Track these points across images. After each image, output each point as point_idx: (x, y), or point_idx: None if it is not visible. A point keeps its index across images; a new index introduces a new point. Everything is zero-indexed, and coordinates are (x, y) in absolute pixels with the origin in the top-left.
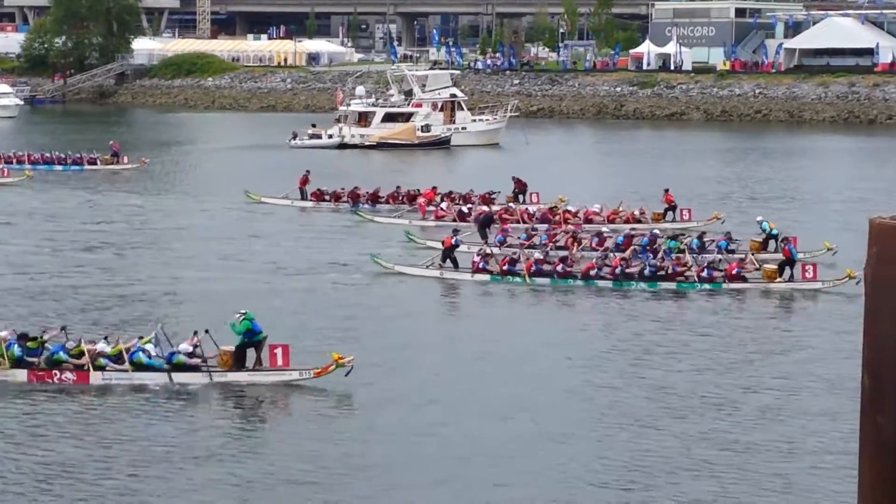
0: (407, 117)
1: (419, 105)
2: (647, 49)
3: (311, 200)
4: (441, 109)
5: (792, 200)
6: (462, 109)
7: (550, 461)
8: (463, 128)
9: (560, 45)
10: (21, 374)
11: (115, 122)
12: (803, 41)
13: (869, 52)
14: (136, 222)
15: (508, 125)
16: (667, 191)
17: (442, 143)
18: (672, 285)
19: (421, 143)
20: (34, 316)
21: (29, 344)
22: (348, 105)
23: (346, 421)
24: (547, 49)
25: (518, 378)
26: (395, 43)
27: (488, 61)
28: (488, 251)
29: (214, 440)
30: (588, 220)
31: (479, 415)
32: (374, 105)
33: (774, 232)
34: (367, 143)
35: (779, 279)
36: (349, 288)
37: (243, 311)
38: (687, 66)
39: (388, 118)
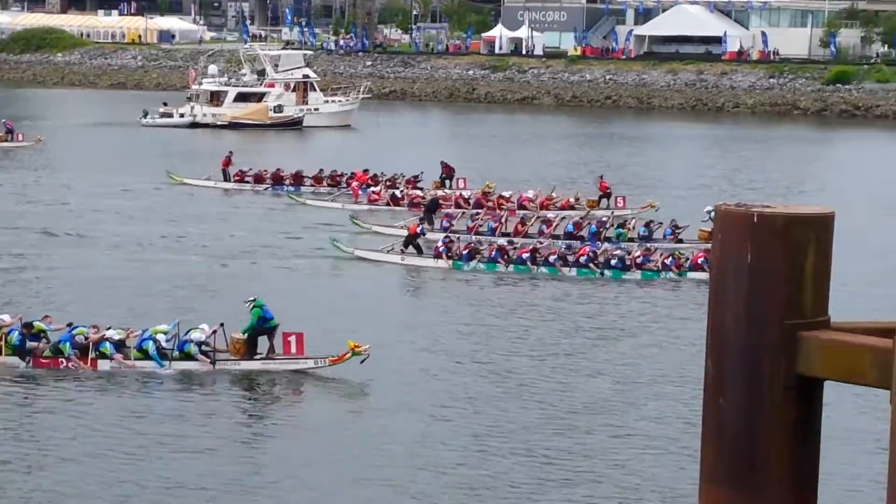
0: (259, 97)
1: (272, 85)
2: (500, 33)
3: (233, 182)
4: (294, 90)
5: (639, 187)
6: (315, 90)
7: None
8: (315, 109)
9: (413, 27)
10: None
11: None
12: (653, 28)
13: (717, 41)
14: (62, 204)
15: (361, 107)
16: (601, 178)
17: (294, 124)
18: (637, 275)
19: (273, 124)
20: None
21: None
22: (200, 84)
23: (363, 406)
24: (400, 31)
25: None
26: (248, 22)
27: (341, 42)
28: (453, 238)
29: (226, 428)
30: (521, 206)
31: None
32: (226, 84)
33: None
34: (219, 123)
35: None
36: (313, 272)
37: (252, 298)
38: (538, 50)
39: (241, 98)
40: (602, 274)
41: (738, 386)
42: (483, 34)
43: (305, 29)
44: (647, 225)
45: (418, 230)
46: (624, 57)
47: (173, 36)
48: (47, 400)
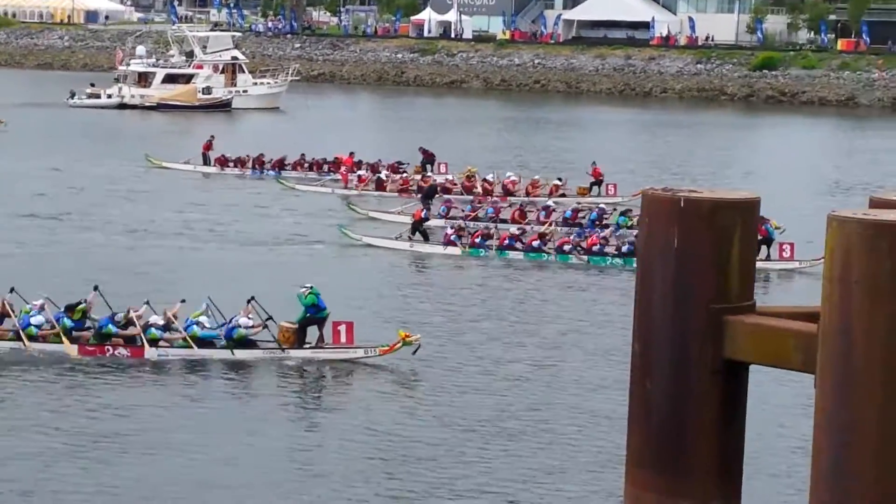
0: (188, 79)
1: (200, 67)
2: (429, 16)
3: (214, 166)
4: (222, 72)
5: (564, 171)
6: (243, 72)
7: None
8: (244, 91)
9: (342, 9)
10: (71, 349)
11: None
12: (581, 13)
13: (645, 26)
14: (48, 188)
15: (289, 89)
16: (594, 164)
17: (223, 106)
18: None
19: (202, 105)
20: None
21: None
22: (128, 65)
23: (414, 400)
24: (328, 14)
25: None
26: (176, 3)
27: (270, 24)
28: (462, 225)
29: (280, 418)
30: (507, 191)
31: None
32: (154, 66)
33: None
34: (147, 104)
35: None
36: (323, 259)
37: (309, 286)
38: (467, 34)
39: (169, 79)
40: (623, 262)
41: (664, 370)
42: (412, 17)
43: (234, 10)
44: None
45: (423, 215)
46: (552, 41)
47: (107, 17)
48: (96, 389)
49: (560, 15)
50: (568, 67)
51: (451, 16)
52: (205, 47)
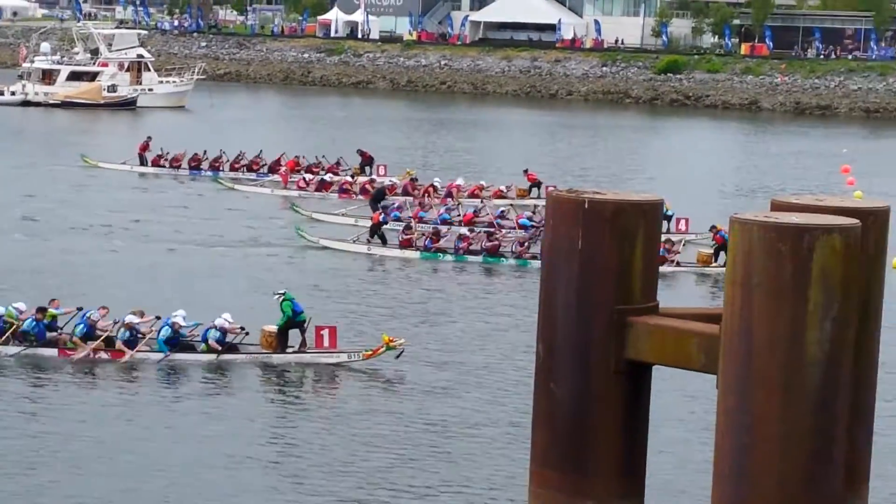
0: (93, 76)
1: (105, 64)
2: (336, 16)
3: (151, 167)
4: (128, 70)
5: (467, 173)
6: (149, 70)
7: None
8: (150, 89)
9: (248, 8)
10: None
11: None
12: (488, 14)
13: (551, 28)
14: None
15: (195, 88)
16: (526, 171)
17: (128, 104)
18: None
19: (107, 103)
20: None
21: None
22: (32, 62)
23: (398, 404)
24: (235, 12)
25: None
26: (81, 0)
27: (176, 22)
28: (411, 226)
29: (265, 422)
30: (449, 195)
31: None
32: (58, 63)
33: (669, 213)
34: (51, 102)
35: (714, 264)
36: (284, 262)
37: (282, 292)
38: (374, 35)
39: (74, 77)
40: None
41: (568, 371)
42: (319, 17)
43: (139, 8)
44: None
45: (381, 218)
46: (459, 43)
47: (15, 13)
48: (53, 391)
49: (467, 16)
50: (474, 69)
51: (359, 16)
52: (110, 45)
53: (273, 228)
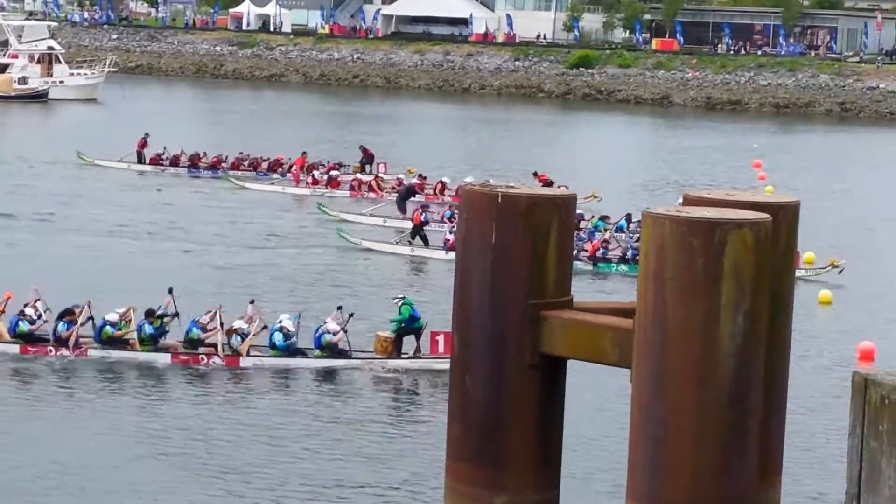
0: (2, 69)
1: (15, 56)
2: (247, 9)
3: (149, 165)
4: (38, 62)
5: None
6: (60, 63)
7: None
8: (61, 81)
9: (160, 1)
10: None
11: None
12: (400, 8)
13: (463, 22)
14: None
15: (107, 80)
16: (536, 174)
17: (39, 97)
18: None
19: (17, 96)
20: None
21: (153, 321)
22: None
23: None
24: (146, 4)
25: None
26: None
27: (86, 14)
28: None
29: (379, 429)
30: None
31: None
32: None
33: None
34: None
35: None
36: (332, 264)
37: (402, 296)
38: (287, 28)
39: None
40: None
41: (483, 365)
42: (230, 10)
43: (49, 0)
44: (627, 218)
45: (422, 218)
46: (371, 36)
47: None
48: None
49: (379, 10)
50: (387, 63)
51: (271, 9)
52: (20, 36)
53: (309, 228)
